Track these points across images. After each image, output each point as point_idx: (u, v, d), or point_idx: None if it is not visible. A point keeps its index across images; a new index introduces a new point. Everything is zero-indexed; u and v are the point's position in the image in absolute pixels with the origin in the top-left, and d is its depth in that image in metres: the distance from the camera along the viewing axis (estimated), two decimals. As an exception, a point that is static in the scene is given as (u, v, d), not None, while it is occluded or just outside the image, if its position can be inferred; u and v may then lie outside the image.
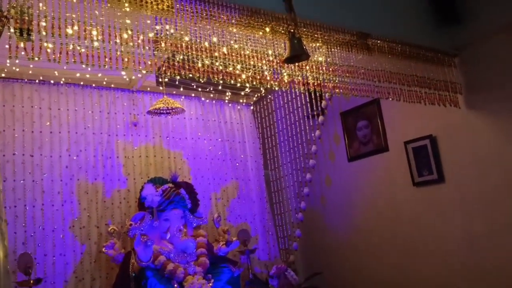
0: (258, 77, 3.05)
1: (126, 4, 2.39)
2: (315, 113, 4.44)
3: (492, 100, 3.69)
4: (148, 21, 2.52)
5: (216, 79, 2.82)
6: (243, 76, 2.94)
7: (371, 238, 4.48)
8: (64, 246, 3.61)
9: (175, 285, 3.50)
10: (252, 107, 5.17)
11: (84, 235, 3.73)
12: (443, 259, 3.93)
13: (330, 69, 3.17)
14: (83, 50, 2.32)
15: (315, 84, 3.28)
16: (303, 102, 4.52)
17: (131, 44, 2.44)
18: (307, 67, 3.15)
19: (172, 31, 2.59)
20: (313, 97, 4.33)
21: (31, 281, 3.11)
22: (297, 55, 2.69)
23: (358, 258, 4.58)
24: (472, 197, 3.79)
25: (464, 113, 3.85)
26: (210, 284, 3.60)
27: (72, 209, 3.72)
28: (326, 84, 3.31)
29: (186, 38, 2.63)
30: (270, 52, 2.96)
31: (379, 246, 4.41)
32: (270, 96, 4.98)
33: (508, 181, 3.57)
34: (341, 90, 3.33)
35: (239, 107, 5.04)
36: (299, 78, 3.24)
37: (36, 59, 2.22)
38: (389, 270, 4.28)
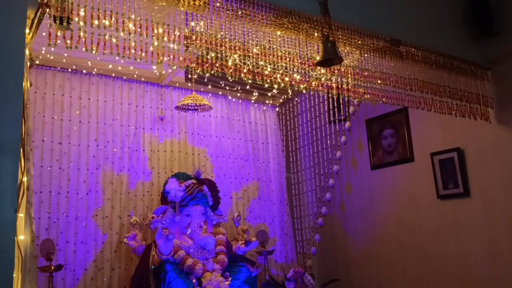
0: (288, 78, 3.05)
1: (163, -1, 2.42)
2: (341, 118, 4.41)
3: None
4: (183, 17, 2.54)
5: (246, 78, 2.83)
6: (274, 77, 2.95)
7: (391, 248, 4.43)
8: (86, 234, 3.65)
9: (193, 280, 3.51)
10: (277, 109, 5.17)
11: (107, 224, 3.76)
12: (464, 274, 3.86)
13: (363, 74, 3.15)
14: (119, 42, 2.36)
15: (346, 88, 3.26)
16: (330, 107, 4.50)
17: (165, 38, 2.47)
18: (339, 71, 3.14)
19: (206, 27, 2.61)
20: (340, 102, 4.30)
21: (52, 267, 3.15)
22: (330, 58, 2.68)
23: (376, 268, 4.53)
24: (498, 213, 3.72)
25: (494, 127, 3.79)
26: (228, 282, 3.60)
27: (96, 199, 3.76)
28: (356, 89, 3.29)
29: (220, 36, 2.64)
30: (302, 54, 2.95)
31: (398, 257, 4.36)
32: (296, 99, 4.97)
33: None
34: (371, 97, 3.31)
35: (264, 108, 5.04)
36: (330, 82, 3.23)
37: (74, 48, 2.27)
38: (407, 282, 4.22)
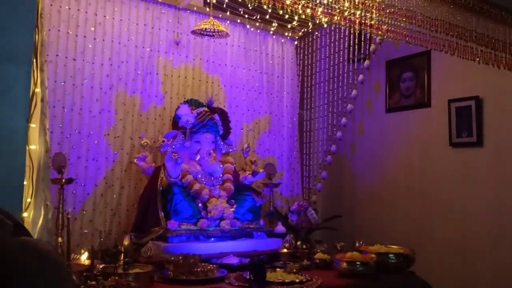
0: (309, 10, 2.95)
1: None
2: (361, 57, 4.29)
3: (551, 69, 3.49)
4: None
5: (265, 4, 2.74)
6: (295, 7, 2.85)
7: (397, 192, 4.47)
8: (98, 152, 3.70)
9: (199, 204, 3.60)
10: (296, 42, 5.03)
11: (118, 144, 3.80)
12: (468, 223, 3.90)
13: (388, 10, 3.02)
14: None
15: (368, 24, 3.16)
16: (350, 44, 4.37)
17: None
18: (363, 5, 3.01)
19: None
20: (362, 39, 4.16)
21: (63, 180, 3.22)
22: (356, -10, 2.56)
23: (380, 209, 4.60)
24: (508, 166, 3.70)
25: (517, 78, 3.67)
26: (233, 209, 3.69)
27: (108, 118, 3.77)
28: (380, 26, 3.19)
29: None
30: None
31: (403, 200, 4.41)
32: (316, 33, 4.82)
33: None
34: (394, 35, 3.21)
35: (283, 40, 4.91)
36: (353, 16, 3.12)
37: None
38: (409, 225, 4.30)
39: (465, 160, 3.97)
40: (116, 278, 2.41)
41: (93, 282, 2.37)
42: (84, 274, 2.60)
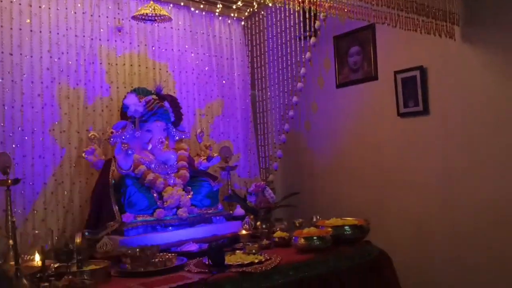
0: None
1: None
2: (307, 34, 4.30)
3: (491, 36, 3.61)
4: None
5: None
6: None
7: (352, 165, 4.57)
8: (44, 148, 3.56)
9: (155, 195, 3.55)
10: (243, 23, 4.97)
11: (65, 139, 3.67)
12: (419, 189, 4.04)
13: (328, -14, 3.03)
14: None
15: (311, 2, 3.18)
16: (296, 22, 4.36)
17: None
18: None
19: None
20: (307, 17, 4.16)
21: (9, 181, 3.09)
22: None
23: (337, 183, 4.69)
24: (454, 132, 3.83)
25: (458, 45, 3.79)
26: (189, 196, 3.66)
27: (52, 113, 3.63)
28: (322, 3, 3.20)
29: None
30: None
31: (359, 173, 4.51)
32: (262, 12, 4.78)
33: (494, 118, 3.60)
34: (337, 11, 3.23)
35: (229, 21, 4.84)
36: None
37: None
38: (367, 197, 4.41)
39: (413, 129, 4.08)
40: (70, 277, 2.35)
41: (46, 284, 2.30)
42: (38, 275, 2.52)
